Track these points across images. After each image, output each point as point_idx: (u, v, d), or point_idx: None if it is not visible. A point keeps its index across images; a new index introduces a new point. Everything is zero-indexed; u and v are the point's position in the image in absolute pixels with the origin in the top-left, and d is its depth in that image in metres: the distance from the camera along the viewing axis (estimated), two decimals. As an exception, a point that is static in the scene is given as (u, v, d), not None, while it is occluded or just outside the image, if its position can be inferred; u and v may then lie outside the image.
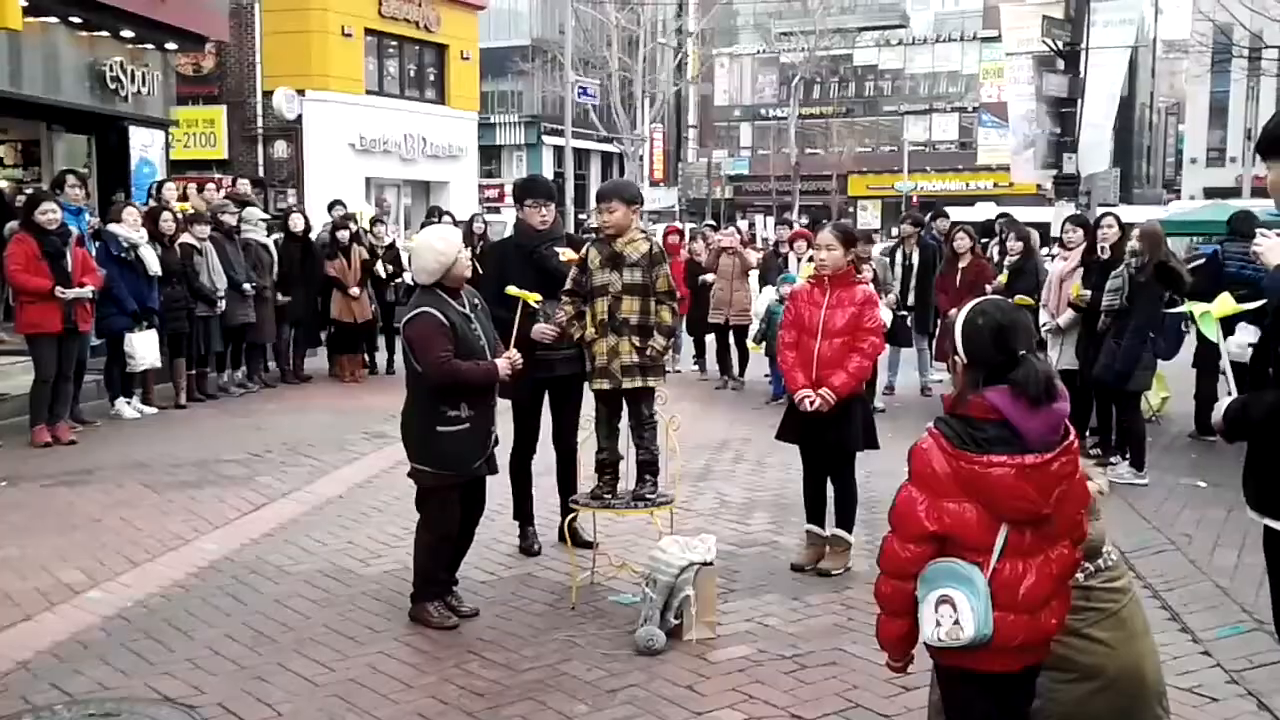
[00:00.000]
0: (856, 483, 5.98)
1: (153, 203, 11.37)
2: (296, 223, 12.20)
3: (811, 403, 5.58)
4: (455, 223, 13.43)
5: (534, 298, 5.36)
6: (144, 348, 9.86)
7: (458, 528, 5.09)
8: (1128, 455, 7.99)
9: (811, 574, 5.78)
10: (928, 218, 13.49)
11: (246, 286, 11.01)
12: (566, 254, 5.65)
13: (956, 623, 2.78)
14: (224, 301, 10.74)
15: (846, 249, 5.72)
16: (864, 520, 6.23)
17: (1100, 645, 3.34)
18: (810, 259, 11.35)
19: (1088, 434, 8.93)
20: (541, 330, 5.62)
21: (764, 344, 11.47)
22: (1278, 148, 3.08)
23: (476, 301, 5.13)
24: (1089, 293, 8.23)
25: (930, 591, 2.83)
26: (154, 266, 9.84)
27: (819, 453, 5.90)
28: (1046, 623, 2.89)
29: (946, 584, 2.81)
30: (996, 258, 11.00)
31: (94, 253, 9.57)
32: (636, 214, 5.57)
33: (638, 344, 5.35)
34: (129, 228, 9.76)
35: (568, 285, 5.51)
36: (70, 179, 10.29)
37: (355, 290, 12.13)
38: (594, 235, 6.11)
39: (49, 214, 8.79)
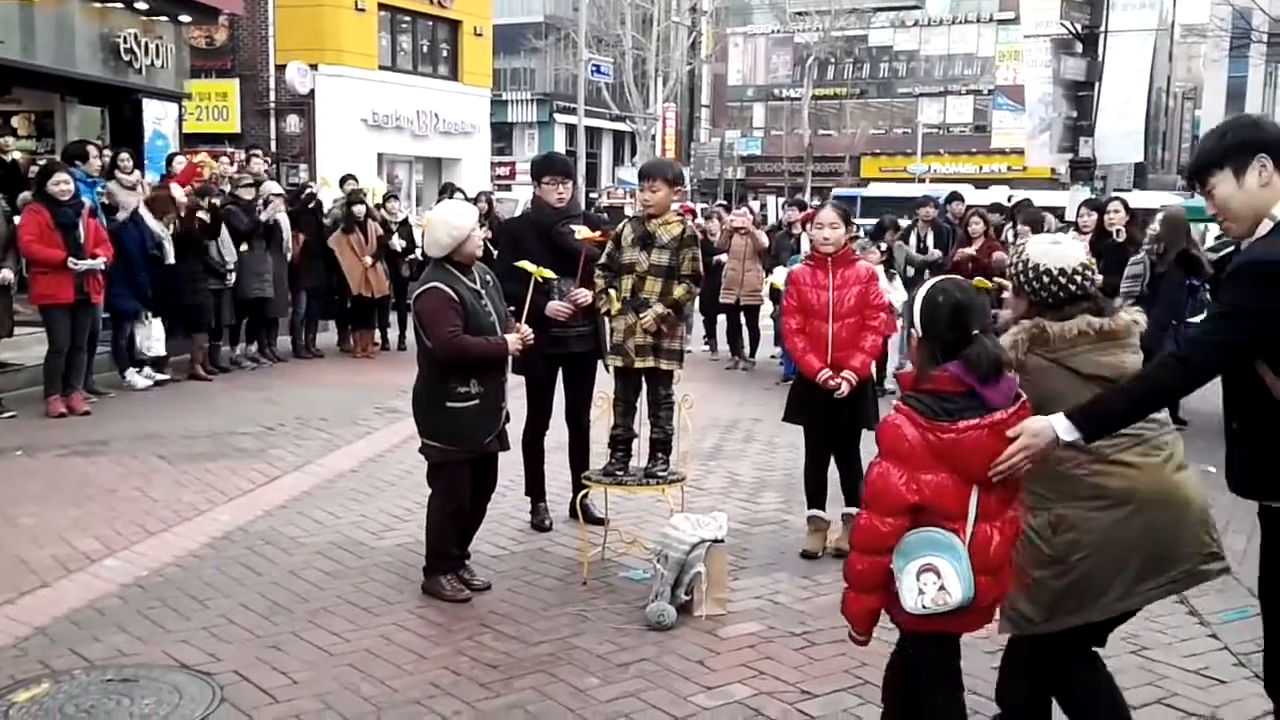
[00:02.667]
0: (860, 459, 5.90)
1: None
2: (314, 197, 12.37)
3: (836, 385, 5.52)
4: (465, 199, 13.46)
5: (545, 273, 5.37)
6: (157, 335, 10.01)
7: (469, 503, 5.11)
8: None
9: (825, 557, 5.76)
10: (942, 200, 13.46)
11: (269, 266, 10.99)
12: (582, 232, 5.65)
13: (942, 589, 2.88)
14: (233, 275, 10.77)
15: (848, 226, 5.69)
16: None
17: (1129, 468, 3.24)
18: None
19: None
20: (556, 308, 5.64)
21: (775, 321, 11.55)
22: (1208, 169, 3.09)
23: (489, 279, 5.13)
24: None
25: (910, 562, 2.92)
26: (170, 258, 9.96)
27: (828, 434, 5.81)
28: (1008, 583, 3.06)
29: (928, 553, 2.90)
30: (1012, 239, 10.98)
31: (105, 223, 9.63)
32: (678, 194, 5.56)
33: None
34: (158, 221, 9.85)
35: (602, 260, 5.53)
36: (92, 150, 10.34)
37: (369, 259, 12.13)
38: (603, 213, 6.12)
39: (62, 185, 8.82)
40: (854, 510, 5.68)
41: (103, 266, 9.03)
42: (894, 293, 11.73)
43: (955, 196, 13.51)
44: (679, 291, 5.37)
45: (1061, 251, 3.32)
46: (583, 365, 6.02)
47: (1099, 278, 3.41)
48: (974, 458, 2.91)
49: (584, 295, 5.64)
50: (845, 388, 5.52)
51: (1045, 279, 3.25)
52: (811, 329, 5.62)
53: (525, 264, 5.35)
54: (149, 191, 10.34)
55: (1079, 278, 3.26)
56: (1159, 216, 8.07)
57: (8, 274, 8.68)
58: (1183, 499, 3.39)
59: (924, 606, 2.90)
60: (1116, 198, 9.11)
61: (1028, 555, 3.19)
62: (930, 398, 2.95)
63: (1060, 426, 2.95)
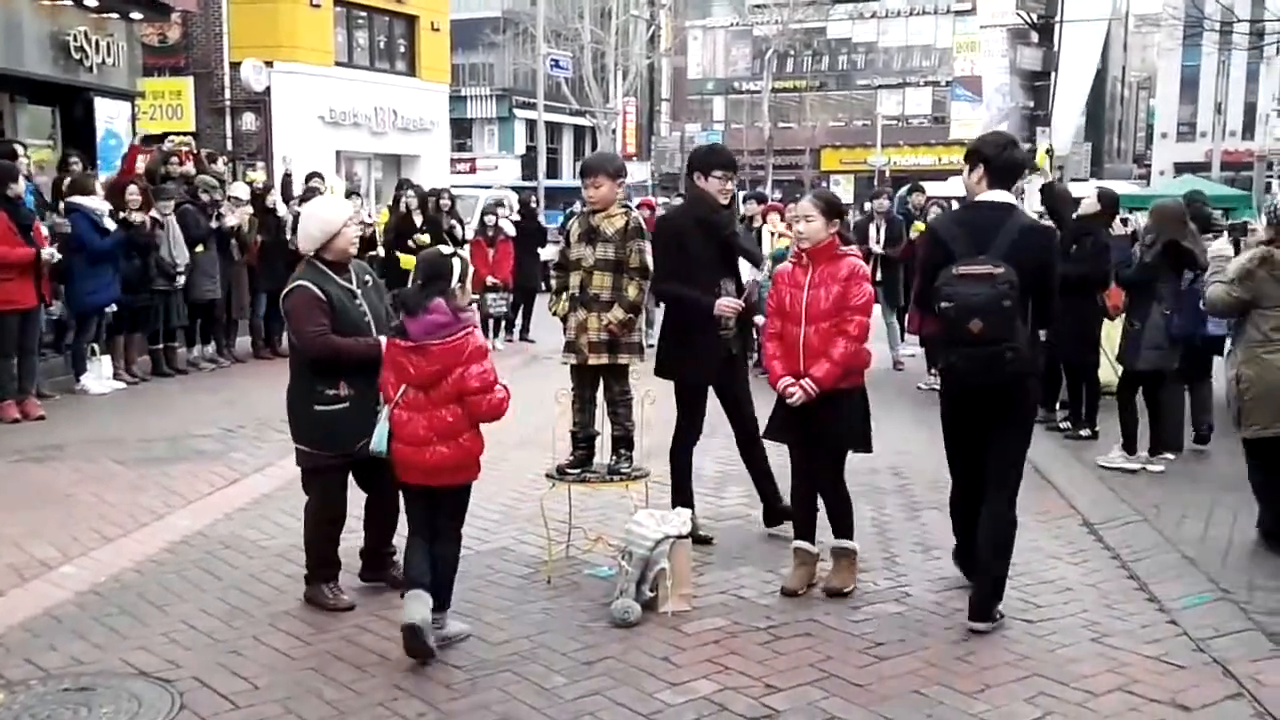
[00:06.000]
0: (844, 485, 5.30)
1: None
2: (273, 199, 12.27)
3: (791, 394, 5.00)
4: (416, 192, 13.40)
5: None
6: (106, 374, 9.97)
7: (344, 510, 4.93)
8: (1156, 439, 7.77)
9: (785, 542, 5.58)
10: (903, 191, 13.53)
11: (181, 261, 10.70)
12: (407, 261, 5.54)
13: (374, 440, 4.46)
14: (183, 277, 10.64)
15: (829, 219, 5.05)
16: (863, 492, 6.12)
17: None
18: (781, 234, 11.39)
19: (1058, 407, 9.01)
20: (726, 305, 5.57)
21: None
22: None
23: (368, 279, 5.01)
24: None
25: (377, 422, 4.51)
26: (109, 226, 9.76)
27: (809, 453, 5.23)
28: (431, 458, 4.34)
29: (379, 419, 4.47)
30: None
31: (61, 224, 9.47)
32: (621, 187, 5.51)
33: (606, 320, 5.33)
34: (100, 200, 9.69)
35: (556, 259, 5.51)
36: (19, 149, 10.09)
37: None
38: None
39: (17, 187, 8.67)
40: (845, 543, 5.23)
41: (59, 256, 8.89)
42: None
43: (917, 188, 13.58)
44: (633, 291, 5.29)
45: None
46: (736, 368, 5.89)
47: None
48: (394, 366, 4.37)
49: (734, 305, 5.60)
50: (799, 396, 4.97)
51: None
52: (785, 334, 5.11)
53: (411, 261, 5.31)
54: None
55: None
56: (1151, 208, 8.12)
57: None
58: None
59: (371, 452, 4.48)
60: (1102, 188, 9.09)
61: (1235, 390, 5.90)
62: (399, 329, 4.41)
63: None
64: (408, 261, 11.38)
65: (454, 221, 13.66)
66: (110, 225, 9.67)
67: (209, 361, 11.51)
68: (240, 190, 11.95)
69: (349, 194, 13.95)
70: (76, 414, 9.03)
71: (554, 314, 5.52)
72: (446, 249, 4.56)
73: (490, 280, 13.41)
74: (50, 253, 8.78)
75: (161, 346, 10.87)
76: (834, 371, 4.95)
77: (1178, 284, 7.43)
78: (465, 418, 4.34)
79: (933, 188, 17.34)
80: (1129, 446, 7.58)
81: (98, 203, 9.66)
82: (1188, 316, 7.43)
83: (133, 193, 10.21)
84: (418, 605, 4.31)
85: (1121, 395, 7.82)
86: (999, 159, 4.77)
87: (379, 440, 4.41)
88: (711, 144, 6.57)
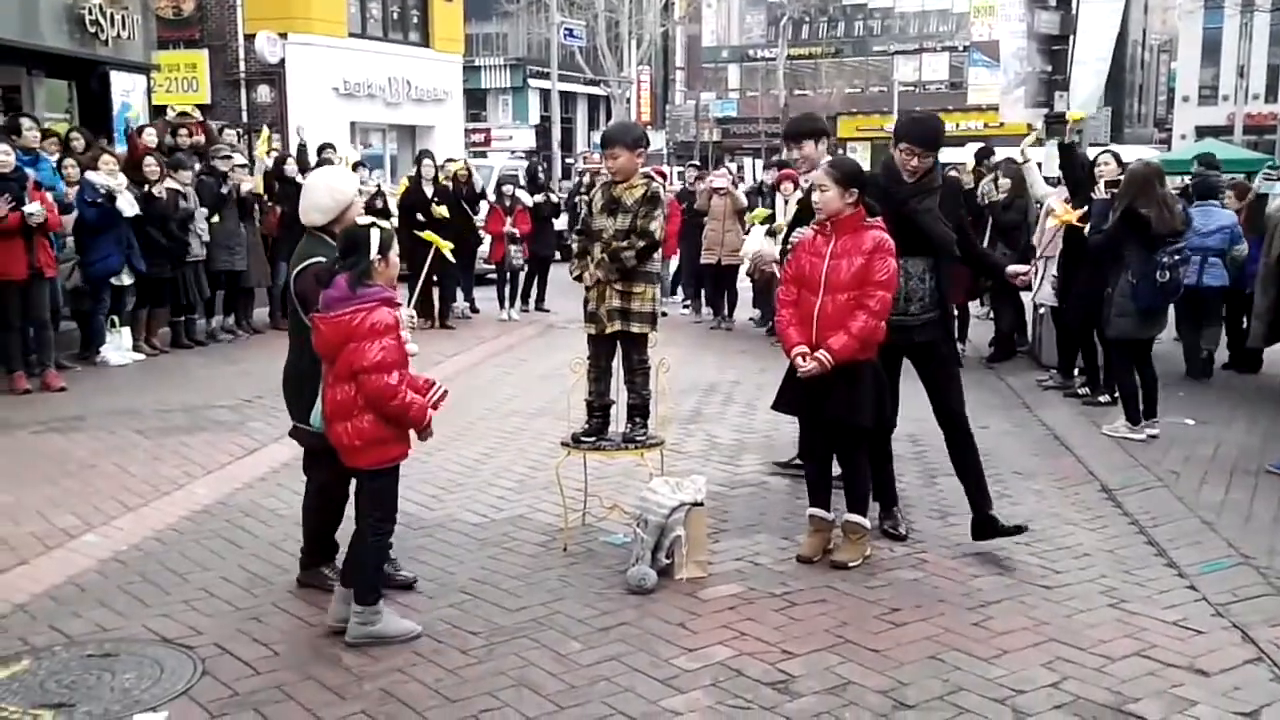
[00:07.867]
0: (867, 460, 5.26)
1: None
2: (291, 168, 12.22)
3: (805, 365, 4.90)
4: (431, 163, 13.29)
5: (447, 246, 5.21)
6: (126, 345, 9.99)
7: (346, 493, 4.66)
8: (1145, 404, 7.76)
9: (804, 517, 5.55)
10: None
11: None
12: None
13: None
14: (199, 246, 10.67)
15: (844, 189, 4.92)
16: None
17: None
18: (798, 201, 11.33)
19: (1076, 372, 8.96)
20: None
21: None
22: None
23: None
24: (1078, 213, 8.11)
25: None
26: (128, 210, 9.75)
27: (822, 425, 5.17)
28: (339, 437, 4.18)
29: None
30: (994, 189, 10.83)
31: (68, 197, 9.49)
32: (641, 157, 5.45)
33: (621, 289, 5.31)
34: (105, 175, 9.69)
35: (579, 225, 5.49)
36: (26, 123, 10.07)
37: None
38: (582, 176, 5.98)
39: (1, 157, 8.59)
40: (856, 519, 5.16)
41: (44, 216, 8.56)
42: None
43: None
44: (630, 240, 5.23)
45: None
46: (932, 354, 5.43)
47: None
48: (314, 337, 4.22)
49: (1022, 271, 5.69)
50: (813, 367, 4.87)
51: None
52: (802, 301, 5.03)
53: (429, 235, 5.23)
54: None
55: None
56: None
57: None
58: None
59: (310, 423, 4.42)
60: (1110, 150, 8.95)
61: None
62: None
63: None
64: (428, 236, 11.35)
65: (472, 189, 13.56)
66: (124, 205, 9.69)
67: (227, 333, 11.56)
68: (239, 159, 11.88)
69: (356, 165, 13.91)
70: (97, 385, 9.09)
71: (575, 278, 5.50)
72: (365, 219, 4.35)
73: (509, 230, 13.33)
74: (35, 208, 8.47)
75: (181, 318, 10.92)
76: (851, 345, 4.86)
77: (1144, 251, 7.11)
78: (361, 398, 4.11)
79: (949, 154, 17.18)
80: (1132, 417, 7.38)
81: (100, 177, 9.67)
82: (1147, 286, 7.12)
83: (150, 164, 10.23)
84: (338, 605, 4.37)
85: (1116, 364, 7.67)
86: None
87: (314, 417, 4.32)
88: (916, 115, 6.40)
